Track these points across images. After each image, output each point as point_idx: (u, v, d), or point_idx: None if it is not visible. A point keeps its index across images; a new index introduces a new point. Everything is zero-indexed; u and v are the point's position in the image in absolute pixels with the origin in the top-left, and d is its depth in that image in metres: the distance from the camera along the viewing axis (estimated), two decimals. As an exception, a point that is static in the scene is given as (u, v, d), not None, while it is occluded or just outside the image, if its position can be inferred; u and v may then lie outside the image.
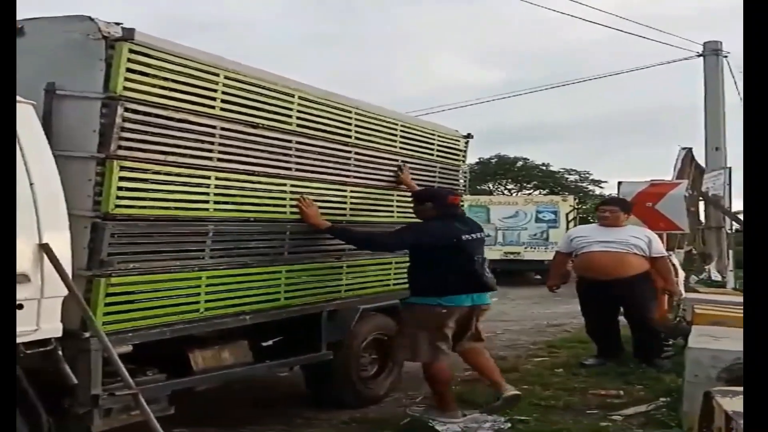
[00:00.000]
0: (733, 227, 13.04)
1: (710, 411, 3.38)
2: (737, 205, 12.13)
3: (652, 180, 10.12)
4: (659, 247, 7.10)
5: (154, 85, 3.63)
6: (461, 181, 6.71)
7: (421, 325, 4.91)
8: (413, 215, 5.84)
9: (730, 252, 12.72)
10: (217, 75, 4.01)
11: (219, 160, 4.05)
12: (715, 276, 11.69)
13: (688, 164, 11.99)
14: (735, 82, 14.83)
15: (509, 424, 4.79)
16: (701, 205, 12.41)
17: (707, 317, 6.08)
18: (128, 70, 3.48)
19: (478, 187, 34.48)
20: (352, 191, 5.19)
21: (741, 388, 3.63)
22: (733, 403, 3.23)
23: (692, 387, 4.52)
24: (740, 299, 8.13)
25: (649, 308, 7.09)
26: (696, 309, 6.50)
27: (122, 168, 3.49)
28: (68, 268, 3.20)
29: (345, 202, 5.15)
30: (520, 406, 5.24)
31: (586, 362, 6.95)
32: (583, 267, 7.11)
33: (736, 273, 12.89)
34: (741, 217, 18.59)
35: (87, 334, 3.35)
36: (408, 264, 5.22)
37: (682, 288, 8.64)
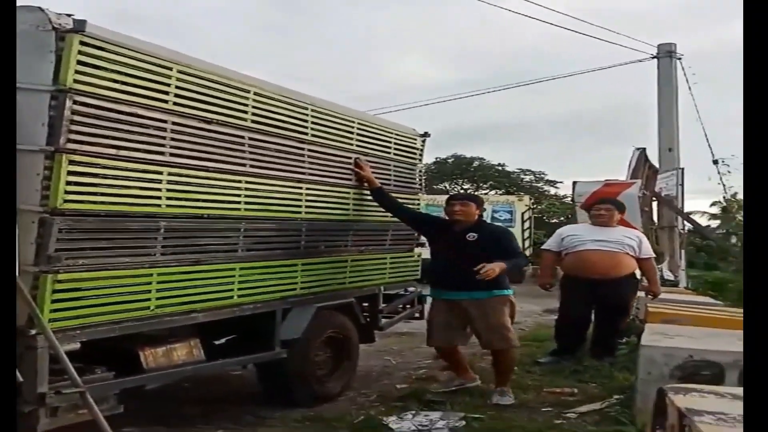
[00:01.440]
0: (685, 227, 13.29)
1: (663, 408, 3.43)
2: (690, 205, 12.48)
3: (606, 180, 10.27)
4: (648, 249, 7.22)
5: (105, 78, 3.57)
6: (417, 180, 6.72)
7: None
8: (368, 212, 5.87)
9: (683, 251, 12.95)
10: (170, 69, 3.95)
11: (171, 155, 3.99)
12: (668, 275, 11.87)
13: (641, 164, 12.14)
14: (688, 85, 15.09)
15: (464, 422, 4.81)
16: (654, 205, 12.59)
17: (660, 315, 6.18)
18: (79, 62, 3.42)
19: (435, 186, 34.59)
20: (307, 189, 5.15)
21: (694, 386, 3.72)
22: (686, 400, 3.28)
23: (645, 384, 4.59)
24: (692, 298, 8.35)
25: (629, 309, 7.24)
26: (649, 307, 6.61)
27: (71, 162, 3.42)
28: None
29: (300, 200, 5.10)
30: (475, 404, 5.31)
31: (541, 360, 7.02)
32: (575, 265, 7.07)
33: (687, 272, 13.17)
34: (693, 217, 19.10)
35: (33, 332, 3.28)
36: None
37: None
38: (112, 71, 3.61)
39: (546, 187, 36.66)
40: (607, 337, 7.03)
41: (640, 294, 7.52)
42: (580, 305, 7.04)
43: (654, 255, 7.49)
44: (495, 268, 5.20)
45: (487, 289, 5.43)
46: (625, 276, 6.98)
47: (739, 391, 3.62)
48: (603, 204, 7.41)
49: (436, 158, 36.08)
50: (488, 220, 18.08)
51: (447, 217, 5.85)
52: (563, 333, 7.23)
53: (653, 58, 15.30)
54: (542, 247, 7.80)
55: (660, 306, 6.67)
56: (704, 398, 3.36)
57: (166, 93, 3.94)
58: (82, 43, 3.44)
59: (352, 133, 5.64)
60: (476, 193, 32.54)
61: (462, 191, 31.99)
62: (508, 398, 5.49)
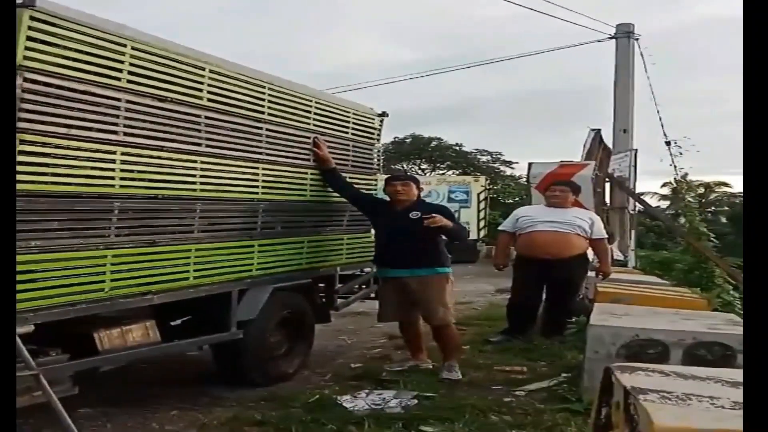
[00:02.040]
0: (636, 208, 13.52)
1: (609, 386, 3.51)
2: (641, 186, 12.68)
3: (561, 161, 10.38)
4: (600, 230, 7.36)
5: (56, 55, 3.48)
6: (375, 160, 6.73)
7: None
8: (326, 193, 5.88)
9: (633, 232, 13.19)
10: (124, 46, 3.87)
11: (125, 134, 3.92)
12: (618, 255, 12.11)
13: (596, 146, 12.28)
14: (645, 66, 15.24)
15: (416, 401, 4.87)
16: (607, 186, 12.79)
17: (608, 295, 6.30)
18: (29, 38, 3.33)
19: (393, 166, 34.64)
20: (264, 169, 5.12)
21: (639, 364, 3.82)
22: (631, 378, 3.36)
23: (592, 363, 4.69)
24: (641, 278, 8.54)
25: (579, 289, 7.38)
26: (598, 287, 6.74)
27: (22, 141, 3.34)
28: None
29: (257, 180, 5.07)
30: (427, 383, 5.38)
31: (492, 339, 7.12)
32: (527, 246, 7.19)
33: (637, 252, 13.43)
34: (644, 198, 19.42)
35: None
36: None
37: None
38: (64, 48, 3.52)
39: (502, 168, 37.01)
40: (557, 316, 7.16)
41: (591, 274, 7.68)
42: (532, 285, 7.17)
43: (606, 236, 7.63)
44: (443, 219, 5.52)
45: (429, 266, 5.68)
46: (576, 256, 7.12)
47: (684, 369, 3.74)
48: (558, 185, 7.53)
49: (394, 138, 36.11)
50: (444, 201, 18.35)
51: (389, 198, 5.94)
52: (514, 312, 7.34)
53: (611, 38, 15.41)
54: (498, 228, 7.87)
55: (609, 286, 6.81)
56: (649, 377, 3.44)
57: (120, 70, 3.86)
58: (32, 18, 3.34)
59: (309, 112, 5.60)
60: (434, 173, 32.76)
61: (420, 171, 32.09)
62: (455, 373, 5.61)
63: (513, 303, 7.41)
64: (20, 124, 3.33)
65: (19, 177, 3.32)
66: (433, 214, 5.54)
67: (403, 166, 35.86)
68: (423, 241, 5.65)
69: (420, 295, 5.72)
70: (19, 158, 3.34)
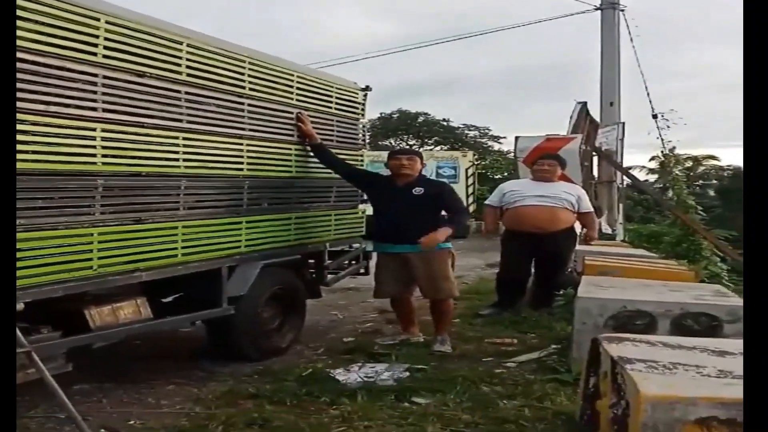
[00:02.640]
0: (624, 181, 13.56)
1: (597, 356, 3.55)
2: (629, 159, 12.71)
3: (548, 135, 10.38)
4: (587, 204, 7.43)
5: (29, 30, 3.44)
6: (360, 135, 6.70)
7: None
8: (312, 169, 5.86)
9: (620, 206, 13.24)
10: (98, 20, 3.82)
11: (104, 110, 3.89)
12: (606, 229, 12.16)
13: (583, 119, 12.27)
14: (631, 37, 15.19)
15: (408, 373, 4.92)
16: (594, 159, 12.80)
17: (596, 268, 6.36)
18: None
19: (380, 142, 34.57)
20: (248, 145, 5.09)
21: (626, 335, 3.85)
22: (618, 348, 3.41)
23: (581, 334, 4.74)
24: (629, 251, 8.59)
25: (567, 262, 7.43)
26: (586, 260, 6.79)
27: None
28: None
29: (241, 157, 5.05)
30: (419, 355, 5.43)
31: (482, 312, 7.17)
32: (515, 220, 7.21)
33: (624, 225, 13.48)
34: (632, 171, 19.47)
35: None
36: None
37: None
38: (36, 22, 3.48)
39: (490, 143, 36.99)
40: (545, 289, 7.23)
41: (578, 247, 7.73)
42: (521, 259, 7.20)
43: (592, 209, 7.70)
44: (439, 236, 5.54)
45: None
46: (564, 230, 7.17)
47: (670, 339, 3.78)
48: (546, 159, 7.53)
49: (381, 114, 36.07)
50: (432, 176, 18.32)
51: (390, 172, 5.91)
52: (504, 286, 7.38)
53: (597, 9, 15.35)
54: (485, 202, 7.85)
55: (597, 259, 6.86)
56: (636, 347, 3.49)
57: (95, 45, 3.82)
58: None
59: (291, 87, 5.56)
60: (422, 148, 32.71)
61: (407, 147, 32.02)
62: (447, 346, 5.69)
63: (502, 277, 7.44)
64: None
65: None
66: (430, 237, 5.51)
67: (390, 142, 35.79)
68: (426, 217, 5.67)
69: (424, 271, 5.73)
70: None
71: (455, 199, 6.00)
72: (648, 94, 14.79)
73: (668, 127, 12.76)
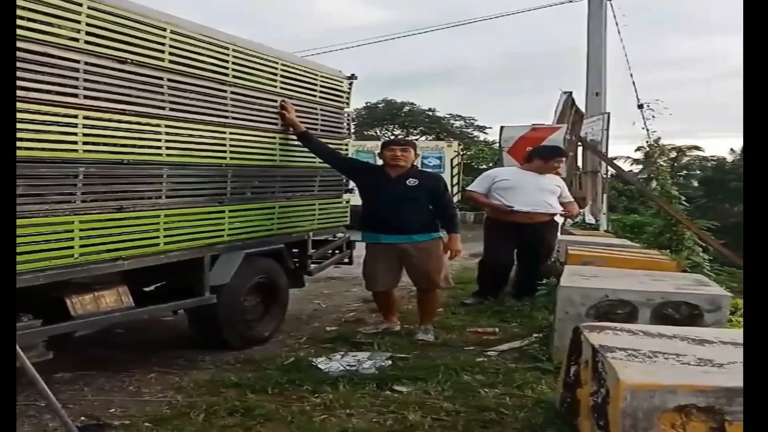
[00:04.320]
0: (608, 172, 13.60)
1: (578, 345, 3.58)
2: (614, 150, 12.74)
3: (533, 124, 10.39)
4: (567, 194, 7.59)
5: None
6: (346, 124, 6.68)
7: None
8: (296, 158, 5.84)
9: (605, 196, 13.28)
10: (80, 5, 3.77)
11: (86, 97, 3.85)
12: (589, 219, 12.22)
13: (568, 109, 12.28)
14: (617, 27, 15.19)
15: (390, 362, 4.94)
16: (579, 150, 12.83)
17: (579, 258, 6.42)
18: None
19: (366, 132, 34.53)
20: (231, 133, 5.06)
21: (608, 324, 3.88)
22: (599, 337, 3.45)
23: (563, 323, 4.79)
24: (612, 241, 8.66)
25: (552, 251, 7.51)
26: (569, 250, 6.84)
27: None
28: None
29: (224, 145, 5.02)
30: (401, 344, 5.47)
31: (466, 301, 7.21)
32: (502, 209, 7.20)
33: (608, 216, 13.54)
34: (617, 162, 19.50)
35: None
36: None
37: (558, 230, 9.08)
38: (18, 7, 3.41)
39: (476, 133, 37.02)
40: (529, 278, 7.27)
41: (562, 237, 7.79)
42: (505, 248, 7.24)
43: (572, 199, 7.81)
44: (458, 247, 5.78)
45: (426, 232, 5.73)
46: (549, 221, 7.26)
47: (651, 328, 3.82)
48: (563, 156, 7.69)
49: (367, 103, 36.00)
50: (417, 166, 18.35)
51: (383, 162, 5.92)
52: (487, 274, 7.42)
53: (584, -2, 15.33)
54: (469, 189, 7.77)
55: (580, 248, 6.92)
56: (617, 335, 3.53)
57: (77, 30, 3.77)
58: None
59: (275, 74, 5.53)
60: (407, 138, 32.64)
61: (393, 137, 31.98)
62: (431, 335, 5.75)
63: (486, 266, 7.46)
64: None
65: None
66: (454, 251, 5.76)
67: (376, 132, 35.75)
68: (420, 208, 5.72)
69: (417, 261, 5.75)
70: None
71: (448, 196, 6.04)
72: (634, 84, 14.84)
73: (653, 117, 12.82)
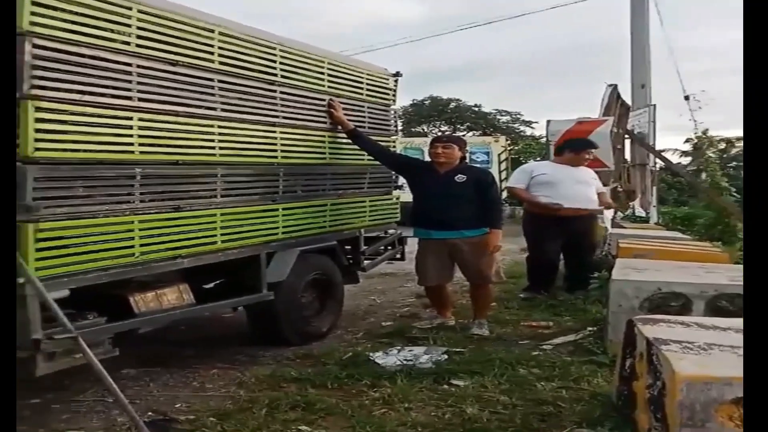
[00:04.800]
0: (657, 164, 13.39)
1: (633, 338, 3.55)
2: (662, 142, 12.57)
3: (579, 118, 10.28)
4: (601, 185, 7.57)
5: (63, 20, 3.48)
6: (392, 121, 6.70)
7: None
8: (345, 156, 5.90)
9: (654, 189, 13.09)
10: (130, 9, 3.86)
11: (140, 99, 3.93)
12: (639, 212, 12.07)
13: (614, 101, 12.12)
14: (660, 18, 14.97)
15: (446, 356, 4.95)
16: (627, 142, 12.67)
17: (631, 251, 6.37)
18: (34, 3, 3.33)
19: (413, 129, 34.53)
20: (281, 132, 5.12)
21: (661, 316, 3.84)
22: (653, 330, 3.41)
23: (616, 316, 4.76)
24: (662, 233, 8.54)
25: (594, 241, 7.50)
26: (620, 243, 6.77)
27: (38, 109, 3.36)
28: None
29: (275, 144, 5.08)
30: (456, 339, 5.48)
31: (521, 295, 7.19)
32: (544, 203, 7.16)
33: (658, 208, 13.34)
34: (665, 154, 19.17)
35: (20, 280, 3.26)
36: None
37: (608, 224, 9.00)
38: (70, 12, 3.52)
39: (522, 128, 36.76)
40: (578, 271, 7.24)
41: (612, 230, 7.71)
42: (548, 241, 7.17)
43: (605, 190, 7.81)
44: (497, 243, 5.70)
45: (477, 228, 5.72)
46: (588, 213, 7.23)
47: (705, 320, 3.76)
48: (594, 148, 7.62)
49: (413, 100, 36.03)
50: (467, 162, 18.24)
51: (430, 159, 5.93)
52: (536, 271, 7.38)
53: (626, -10, 15.14)
54: (511, 186, 7.63)
55: (631, 242, 6.84)
56: (671, 328, 3.49)
57: (128, 35, 3.86)
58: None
59: (323, 73, 5.58)
60: (454, 134, 32.57)
61: (439, 133, 31.97)
62: (485, 330, 5.74)
63: (534, 262, 7.44)
64: (33, 91, 3.34)
65: (38, 145, 3.37)
66: (493, 247, 5.70)
67: (423, 129, 35.73)
68: (469, 203, 5.70)
69: (468, 256, 5.75)
70: (36, 126, 3.36)
71: (494, 191, 5.99)
72: (679, 75, 14.60)
73: (700, 108, 12.59)
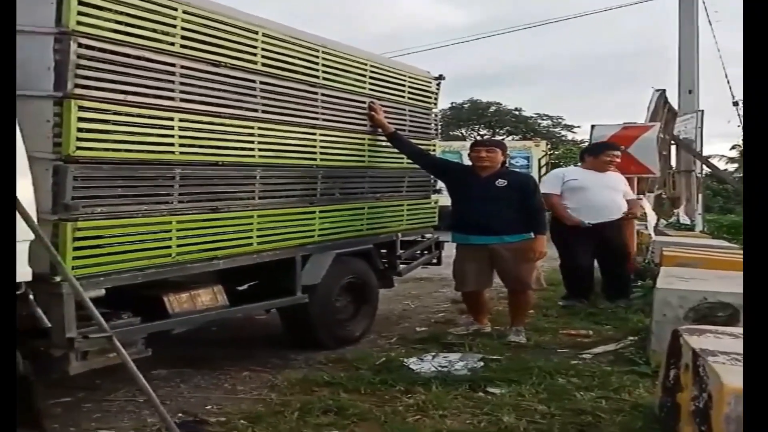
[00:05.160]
0: (703, 171, 13.14)
1: (678, 349, 3.47)
2: (708, 148, 12.34)
3: (624, 123, 10.12)
4: (630, 192, 7.46)
5: (108, 20, 3.51)
6: (433, 125, 6.64)
7: None
8: (384, 159, 5.85)
9: (700, 196, 12.85)
10: (175, 9, 3.87)
11: (182, 100, 3.94)
12: (684, 219, 11.84)
13: (661, 107, 11.94)
14: (710, 23, 14.69)
15: (482, 363, 4.88)
16: (673, 148, 12.46)
17: (675, 259, 6.23)
18: (80, 3, 3.35)
19: (452, 132, 34.43)
20: (321, 134, 5.10)
21: (708, 327, 3.74)
22: (700, 340, 3.33)
23: (660, 326, 4.68)
24: (708, 241, 8.35)
25: (628, 247, 7.33)
26: (664, 251, 6.63)
27: (81, 108, 3.38)
28: (32, 212, 3.11)
29: (315, 146, 5.06)
30: (492, 346, 5.40)
31: (561, 303, 7.09)
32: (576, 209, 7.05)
33: (704, 216, 13.06)
34: (712, 160, 18.79)
35: (57, 279, 3.29)
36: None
37: (652, 231, 8.82)
38: (116, 12, 3.54)
39: (563, 132, 36.46)
40: (614, 278, 7.12)
41: (655, 238, 7.55)
42: (580, 251, 7.04)
43: (634, 197, 7.68)
44: (542, 249, 5.62)
45: (518, 233, 5.64)
46: (621, 218, 7.09)
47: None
48: (614, 150, 7.37)
49: (452, 103, 35.99)
50: (508, 167, 18.08)
51: (471, 163, 5.87)
52: (571, 279, 7.27)
53: (674, -5, 14.91)
54: (547, 192, 7.10)
55: (675, 250, 6.72)
56: (718, 339, 3.40)
57: (173, 35, 3.87)
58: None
59: (364, 76, 5.55)
60: (494, 138, 32.42)
61: (479, 137, 31.80)
62: (522, 337, 5.66)
63: (568, 271, 7.31)
64: (77, 91, 3.36)
65: (79, 144, 3.39)
66: (538, 254, 5.64)
67: (462, 132, 35.62)
68: (509, 208, 5.63)
69: (508, 262, 5.68)
70: (79, 125, 3.38)
71: (537, 197, 5.89)
72: (728, 80, 14.31)
73: (749, 114, 12.32)
